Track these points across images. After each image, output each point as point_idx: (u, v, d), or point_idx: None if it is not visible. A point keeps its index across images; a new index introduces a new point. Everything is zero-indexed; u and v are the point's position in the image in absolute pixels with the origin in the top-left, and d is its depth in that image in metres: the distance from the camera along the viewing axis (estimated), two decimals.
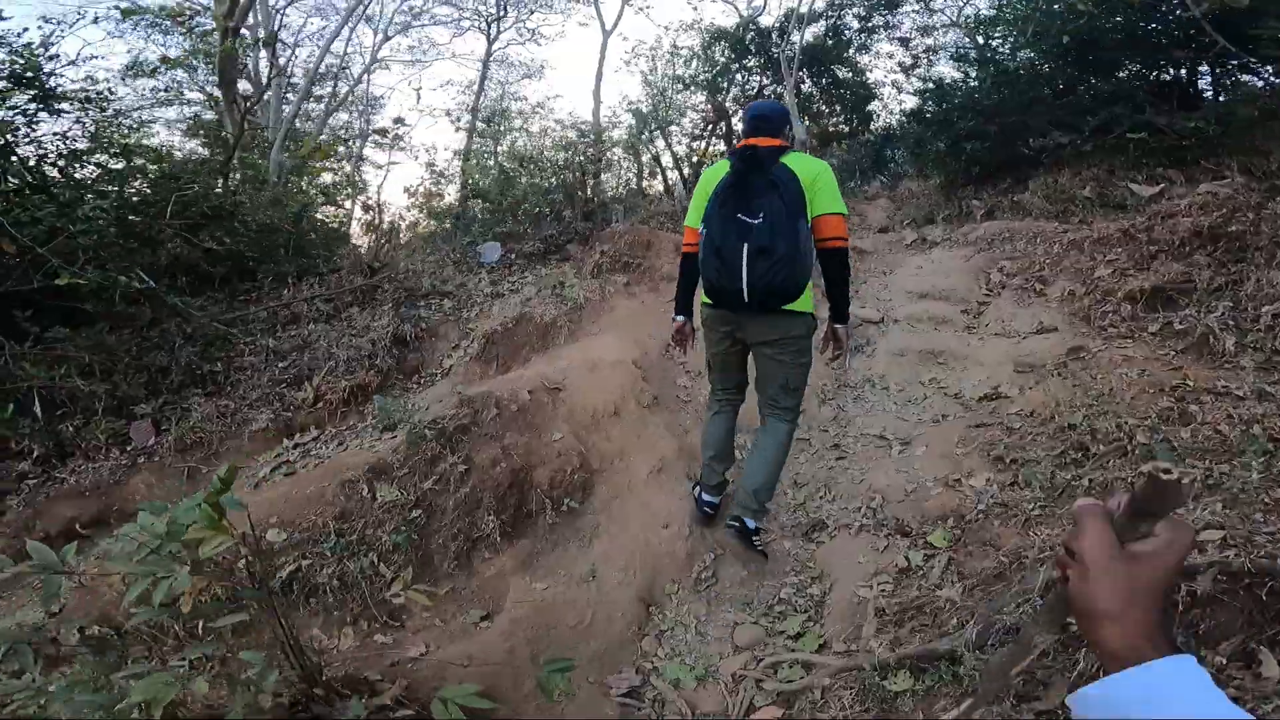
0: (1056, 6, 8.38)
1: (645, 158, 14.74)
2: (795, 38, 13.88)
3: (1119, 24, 8.19)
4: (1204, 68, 8.90)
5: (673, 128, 16.27)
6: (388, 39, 14.93)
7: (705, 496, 3.14)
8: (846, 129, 16.02)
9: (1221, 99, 8.47)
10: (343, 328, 5.34)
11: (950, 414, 4.53)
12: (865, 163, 15.21)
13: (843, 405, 4.95)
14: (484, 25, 16.40)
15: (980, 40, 10.64)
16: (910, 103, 13.95)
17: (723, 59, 15.95)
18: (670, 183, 15.18)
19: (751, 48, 15.59)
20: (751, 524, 2.82)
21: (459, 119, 16.12)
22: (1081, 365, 4.69)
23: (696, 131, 16.48)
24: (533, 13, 16.69)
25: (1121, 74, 8.90)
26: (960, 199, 9.59)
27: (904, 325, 5.93)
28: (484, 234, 7.28)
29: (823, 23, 15.16)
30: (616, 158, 10.00)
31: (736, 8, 16.01)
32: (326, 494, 3.04)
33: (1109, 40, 8.32)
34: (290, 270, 6.29)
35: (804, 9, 13.99)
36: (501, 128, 11.73)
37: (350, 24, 14.09)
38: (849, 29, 15.22)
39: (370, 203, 9.31)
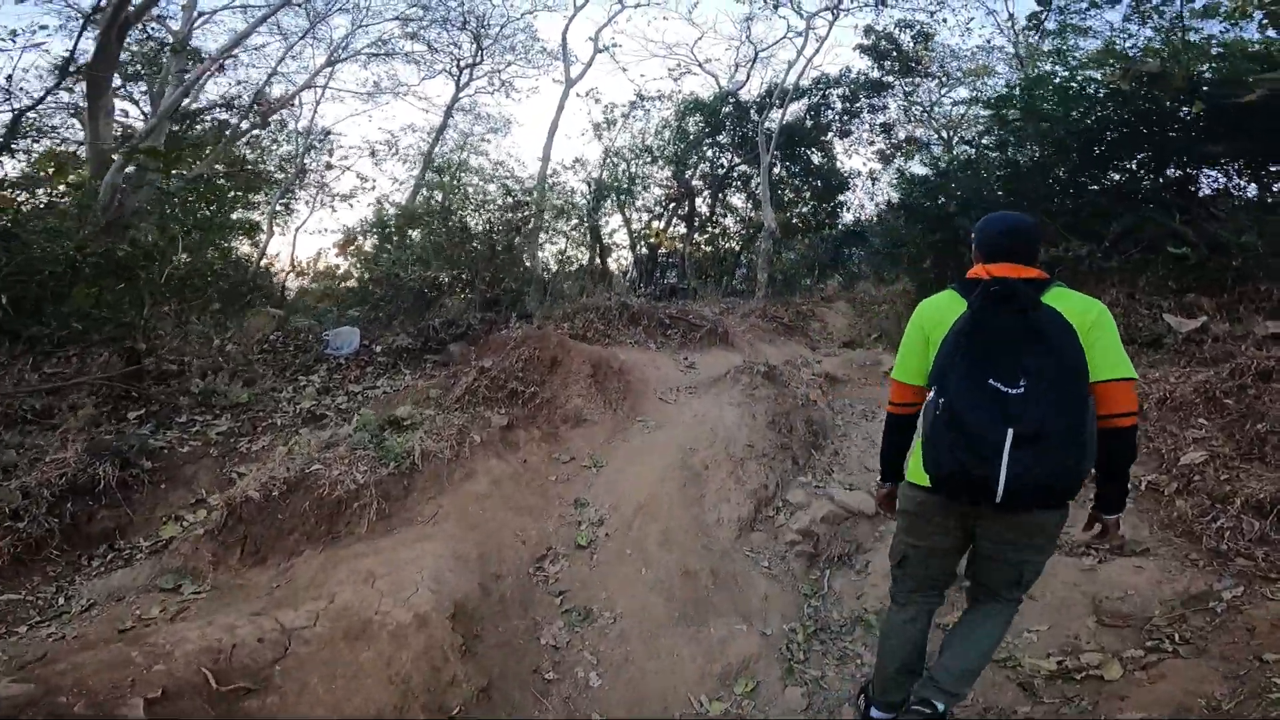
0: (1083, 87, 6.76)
1: (606, 229, 12.94)
2: (775, 114, 12.34)
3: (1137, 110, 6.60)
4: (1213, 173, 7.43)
5: (636, 202, 14.70)
6: (332, 64, 12.95)
7: (878, 714, 2.18)
8: (814, 220, 14.48)
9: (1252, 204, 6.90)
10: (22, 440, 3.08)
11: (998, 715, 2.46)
12: (825, 259, 13.61)
13: (823, 673, 2.85)
14: (455, 69, 14.64)
15: (979, 128, 9.07)
16: (885, 195, 12.48)
17: (694, 131, 14.42)
18: (621, 268, 13.33)
19: (727, 123, 14.10)
20: (942, 708, 1.99)
21: (383, 160, 14.04)
22: (1214, 624, 2.71)
23: (658, 209, 14.82)
24: (510, 64, 15.03)
25: (1138, 173, 7.37)
26: None
27: None
28: (350, 314, 5.09)
29: (805, 101, 13.77)
30: (550, 228, 8.00)
31: (717, 79, 14.54)
32: None
33: (1122, 130, 6.78)
34: (51, 333, 4.05)
35: (789, 83, 12.51)
36: (451, 180, 9.74)
37: (284, 39, 12.17)
38: (832, 109, 13.82)
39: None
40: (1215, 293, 6.43)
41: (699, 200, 14.91)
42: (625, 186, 14.08)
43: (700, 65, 16.06)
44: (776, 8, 12.24)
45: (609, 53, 14.14)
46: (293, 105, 12.94)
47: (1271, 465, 3.52)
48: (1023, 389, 1.62)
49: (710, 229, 14.79)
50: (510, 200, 6.27)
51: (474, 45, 14.28)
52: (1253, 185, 7.24)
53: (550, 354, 4.72)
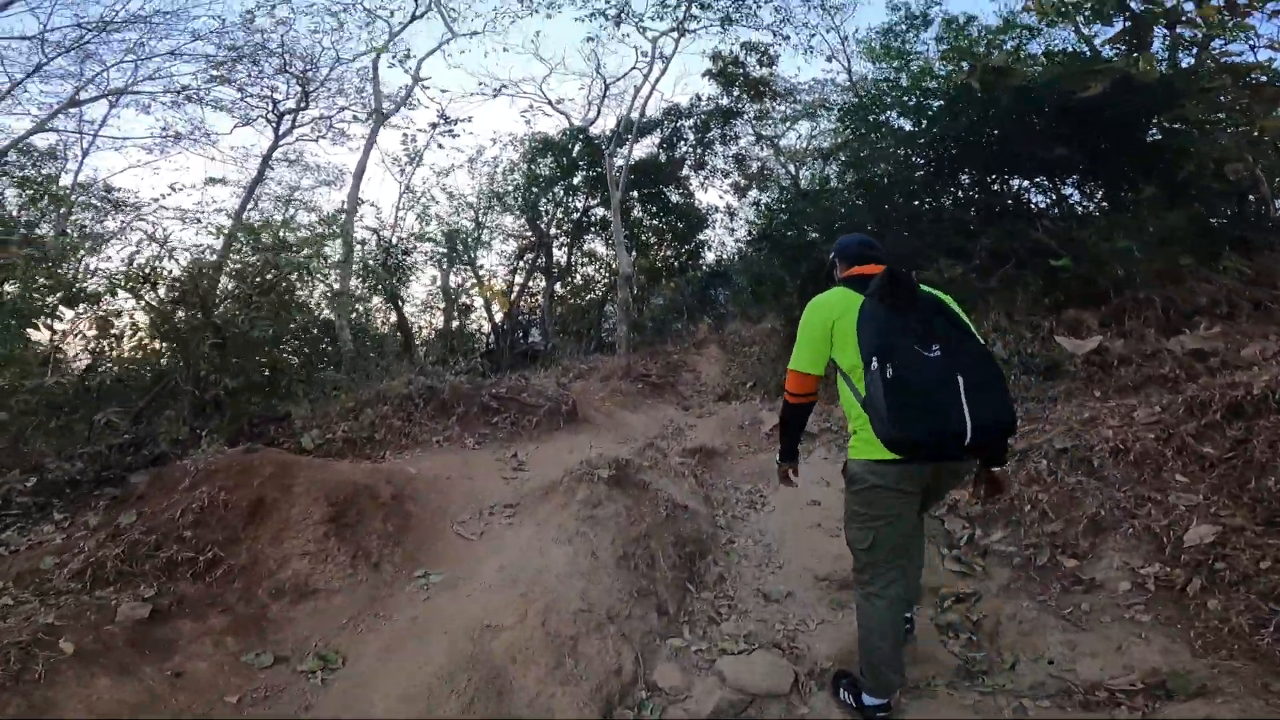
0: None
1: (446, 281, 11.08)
2: (627, 151, 11.11)
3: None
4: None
5: (480, 256, 12.96)
6: (113, 105, 10.32)
7: (873, 701, 2.17)
8: (677, 263, 13.39)
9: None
10: None
11: None
12: (693, 301, 12.48)
13: None
14: (274, 115, 12.18)
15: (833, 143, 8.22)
16: (745, 230, 11.54)
17: (546, 173, 12.96)
18: (473, 331, 11.53)
19: (581, 162, 12.76)
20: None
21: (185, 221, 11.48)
22: None
23: (513, 262, 13.17)
24: (342, 109, 12.70)
25: (990, 183, 6.63)
26: None
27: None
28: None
29: (658, 134, 12.72)
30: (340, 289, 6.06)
31: (569, 118, 13.20)
32: None
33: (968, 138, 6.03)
34: None
35: (638, 111, 11.36)
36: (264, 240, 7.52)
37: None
38: (685, 141, 12.85)
39: None
40: (1095, 307, 5.64)
41: (556, 249, 13.45)
42: (474, 236, 12.36)
43: (552, 105, 14.77)
44: (619, 24, 11.17)
45: (421, 86, 12.40)
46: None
47: None
48: (938, 352, 1.77)
49: (570, 279, 13.31)
50: (258, 257, 4.34)
51: (299, 89, 12.02)
52: (1102, 190, 6.68)
53: (254, 492, 2.88)
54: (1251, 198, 6.39)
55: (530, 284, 13.15)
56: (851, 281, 2.02)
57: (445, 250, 12.00)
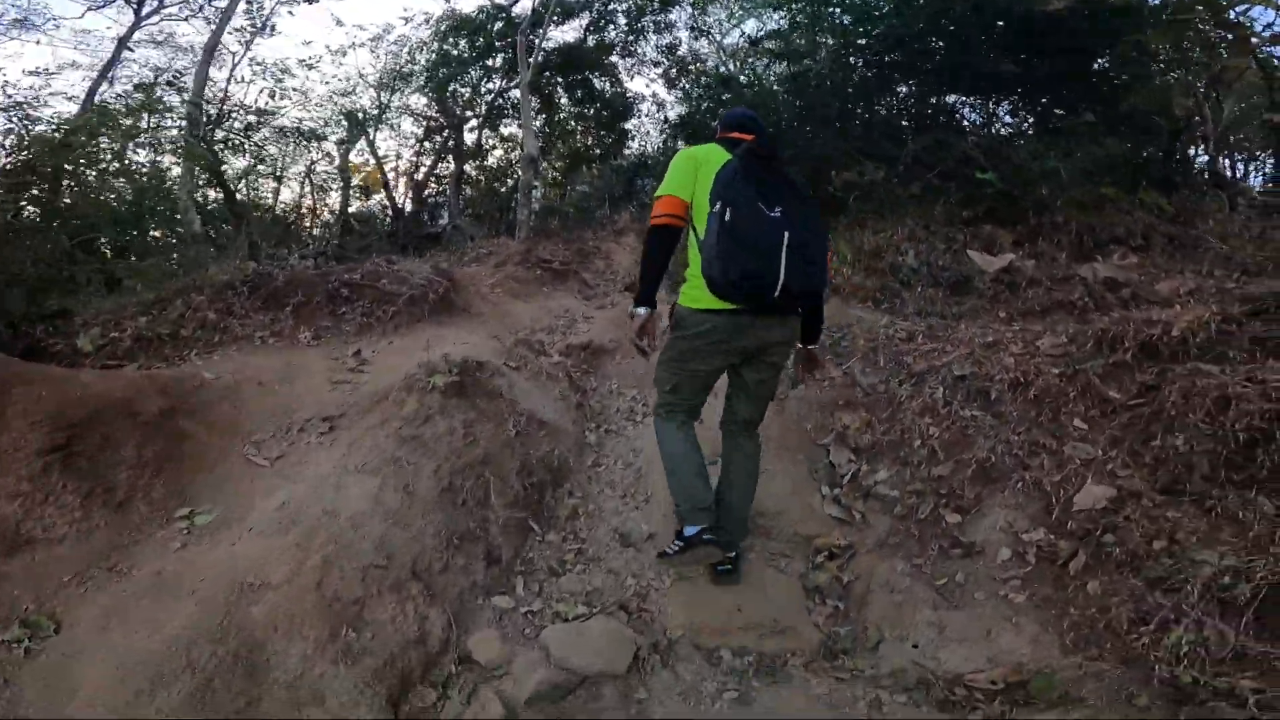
0: None
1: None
2: (545, 30, 9.61)
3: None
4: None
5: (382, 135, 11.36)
6: None
7: (693, 529, 2.13)
8: (599, 151, 12.21)
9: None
10: None
11: None
12: (617, 190, 11.50)
13: None
14: None
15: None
16: (673, 120, 10.46)
17: (460, 54, 11.25)
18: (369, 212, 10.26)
19: (498, 43, 11.10)
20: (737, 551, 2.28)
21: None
22: None
23: (416, 143, 11.63)
24: None
25: (928, 94, 6.03)
26: None
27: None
28: None
29: (586, 16, 11.14)
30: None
31: None
32: None
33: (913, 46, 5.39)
34: None
35: None
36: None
37: None
38: (615, 25, 11.35)
39: None
40: (1011, 226, 5.29)
41: (469, 131, 11.97)
42: (373, 116, 10.75)
43: None
44: None
45: None
46: None
47: (1212, 512, 2.01)
48: (779, 214, 1.88)
49: (481, 161, 11.97)
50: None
51: None
52: (1039, 112, 6.20)
53: None
54: (1183, 139, 6.13)
55: (440, 167, 11.75)
56: (724, 141, 2.08)
57: (346, 130, 10.42)
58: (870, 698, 1.91)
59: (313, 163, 10.64)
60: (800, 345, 2.25)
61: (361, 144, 11.58)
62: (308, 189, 11.22)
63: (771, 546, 2.54)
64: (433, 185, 11.66)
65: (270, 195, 11.45)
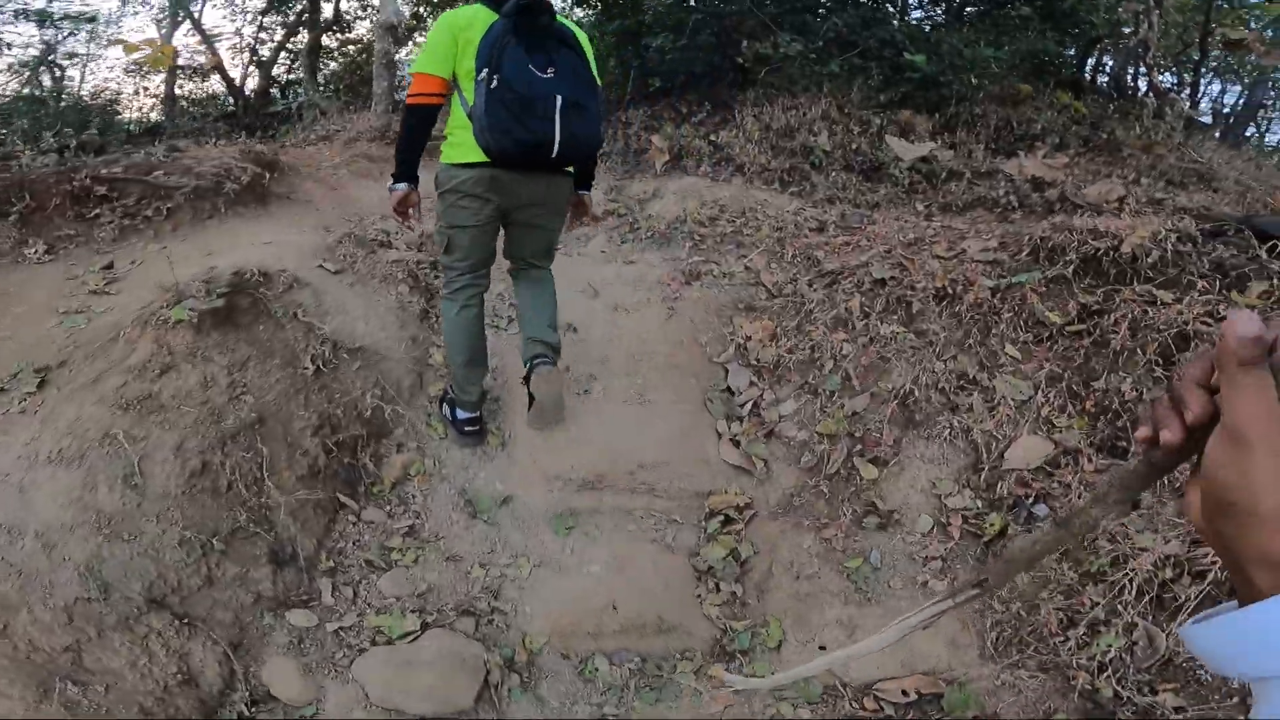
0: None
1: None
2: None
3: None
4: None
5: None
6: None
7: (464, 415, 2.18)
8: None
9: None
10: None
11: None
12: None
13: None
14: None
15: None
16: None
17: None
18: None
19: None
20: (555, 358, 2.14)
21: None
22: None
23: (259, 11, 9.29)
24: None
25: None
26: (628, 129, 5.20)
27: None
28: None
29: None
30: None
31: None
32: None
33: None
34: None
35: None
36: None
37: None
38: None
39: None
40: (930, 114, 4.76)
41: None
42: None
43: None
44: None
45: None
46: None
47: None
48: (552, 74, 1.81)
49: (341, 31, 9.87)
50: None
51: None
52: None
53: None
54: (1112, 44, 5.70)
55: (295, 42, 9.56)
56: (495, 2, 1.92)
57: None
58: (770, 711, 1.51)
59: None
60: (575, 194, 2.21)
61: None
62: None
63: (655, 508, 2.04)
64: (284, 61, 9.55)
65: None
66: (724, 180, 4.13)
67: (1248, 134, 7.90)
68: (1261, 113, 8.25)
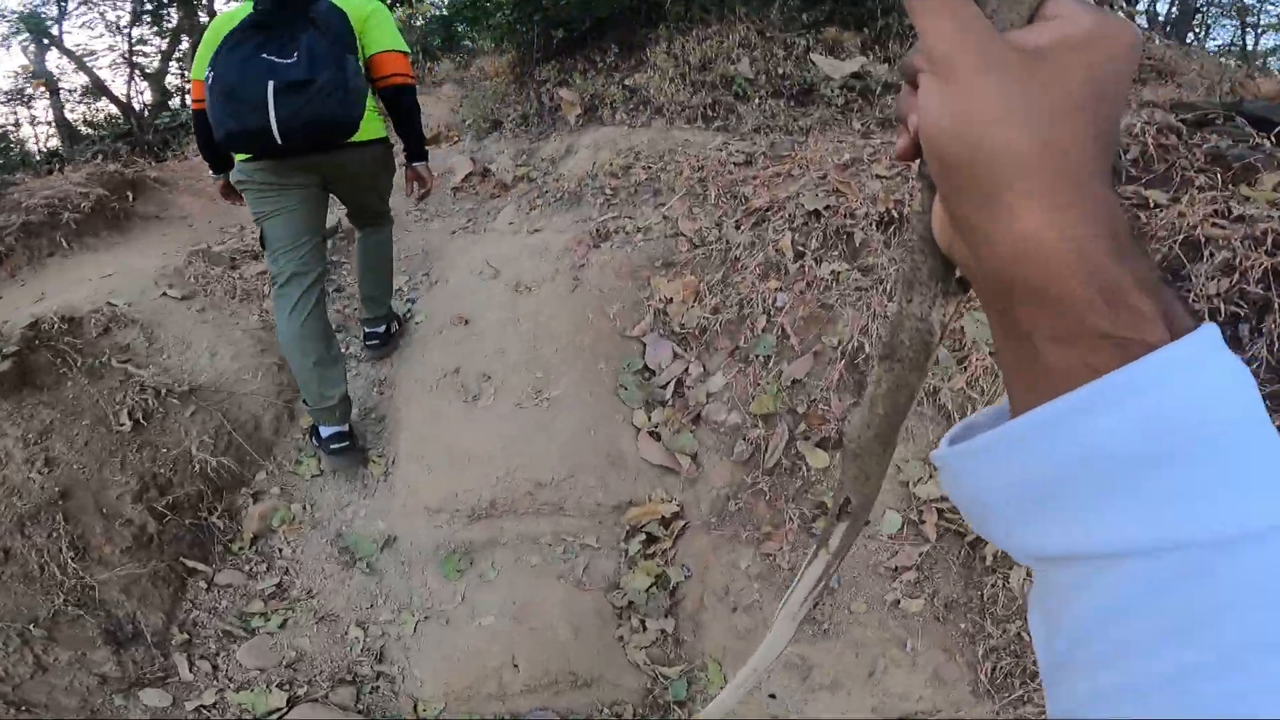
0: None
1: None
2: None
3: None
4: None
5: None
6: None
7: (328, 430, 1.87)
8: None
9: None
10: None
11: None
12: (432, 41, 9.03)
13: None
14: None
15: None
16: None
17: None
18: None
19: None
20: (386, 326, 2.26)
21: None
22: None
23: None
24: None
25: None
26: (540, 86, 4.67)
27: None
28: None
29: None
30: None
31: None
32: None
33: None
34: None
35: None
36: None
37: None
38: None
39: None
40: (857, 28, 4.32)
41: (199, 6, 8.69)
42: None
43: None
44: None
45: None
46: None
47: None
48: (295, 58, 1.75)
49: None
50: None
51: None
52: None
53: None
54: None
55: (179, 50, 8.63)
56: None
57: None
58: None
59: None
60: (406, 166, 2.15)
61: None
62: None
63: (564, 530, 1.65)
64: (176, 70, 8.65)
65: None
66: (642, 125, 3.69)
67: (1188, 40, 7.59)
68: (1199, 17, 7.92)
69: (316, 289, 1.90)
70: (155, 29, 8.74)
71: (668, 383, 1.95)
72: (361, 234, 2.22)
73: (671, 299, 2.13)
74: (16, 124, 9.16)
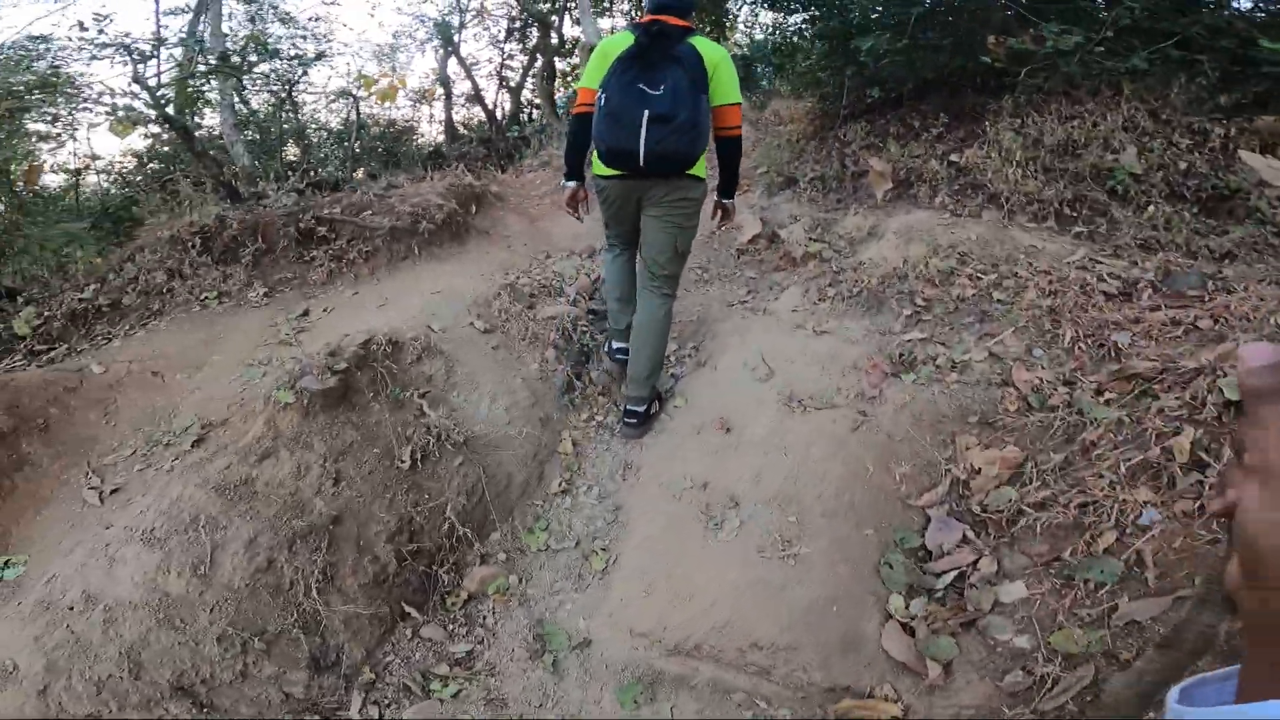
0: None
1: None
2: None
3: None
4: None
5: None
6: None
7: (616, 345, 2.58)
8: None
9: None
10: None
11: None
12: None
13: None
14: None
15: None
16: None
17: None
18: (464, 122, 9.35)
19: None
20: (643, 409, 2.36)
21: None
22: None
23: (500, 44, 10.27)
24: None
25: None
26: (844, 146, 4.34)
27: None
28: None
29: None
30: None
31: None
32: None
33: None
34: None
35: None
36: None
37: None
38: None
39: None
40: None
41: (568, 28, 10.38)
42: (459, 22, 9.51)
43: None
44: None
45: None
46: None
47: None
48: (661, 91, 2.00)
49: (566, 56, 10.46)
50: None
51: None
52: None
53: None
54: None
55: (535, 65, 10.43)
56: (635, 26, 2.15)
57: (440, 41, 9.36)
58: None
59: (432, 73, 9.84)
60: (716, 200, 2.41)
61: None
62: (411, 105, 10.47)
63: (761, 693, 1.41)
64: (530, 88, 10.44)
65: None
66: (969, 215, 3.14)
67: None
68: None
69: (626, 253, 2.44)
70: (520, 45, 10.47)
71: (945, 573, 1.57)
72: (643, 298, 2.35)
73: (980, 470, 1.72)
74: (416, 121, 11.63)
